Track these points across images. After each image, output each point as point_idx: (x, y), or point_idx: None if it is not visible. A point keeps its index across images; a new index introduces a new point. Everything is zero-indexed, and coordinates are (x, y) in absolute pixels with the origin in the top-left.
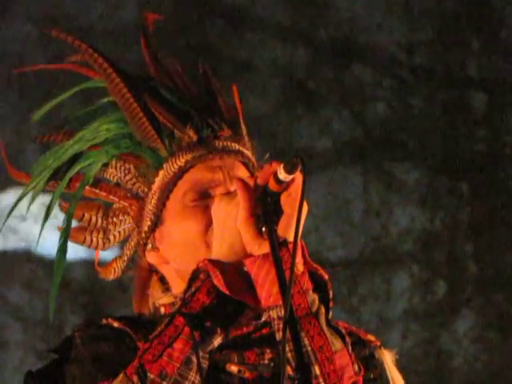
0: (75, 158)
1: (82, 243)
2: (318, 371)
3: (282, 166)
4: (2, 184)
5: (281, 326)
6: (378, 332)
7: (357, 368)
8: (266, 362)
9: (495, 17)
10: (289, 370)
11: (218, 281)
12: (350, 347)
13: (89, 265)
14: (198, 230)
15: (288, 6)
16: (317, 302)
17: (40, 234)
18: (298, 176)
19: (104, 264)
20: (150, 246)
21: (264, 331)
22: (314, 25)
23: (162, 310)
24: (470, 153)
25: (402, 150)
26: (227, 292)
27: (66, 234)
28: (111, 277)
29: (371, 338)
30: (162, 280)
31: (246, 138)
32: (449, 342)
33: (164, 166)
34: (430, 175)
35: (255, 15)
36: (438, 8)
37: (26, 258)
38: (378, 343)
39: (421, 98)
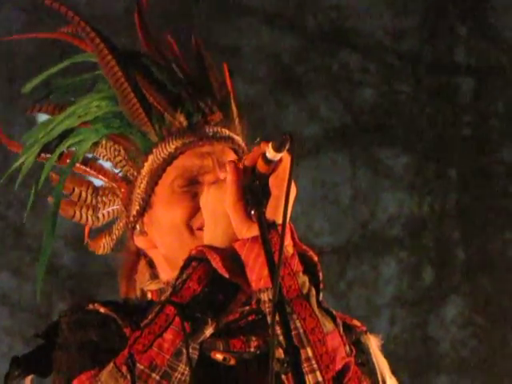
0: (66, 134)
1: (72, 217)
2: (310, 353)
3: (270, 144)
4: None
5: (271, 308)
6: (366, 318)
7: (348, 349)
8: (252, 349)
9: (482, 2)
10: (280, 353)
11: (217, 263)
12: (341, 328)
13: (76, 251)
14: (183, 216)
15: None
16: (307, 283)
17: (30, 205)
18: (286, 157)
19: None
20: (138, 229)
21: (250, 318)
22: (302, 11)
23: (149, 295)
24: (458, 138)
25: (390, 136)
26: (226, 275)
27: (55, 206)
28: (100, 251)
29: (357, 323)
30: (151, 264)
31: (237, 121)
32: (436, 328)
33: (153, 150)
34: (417, 161)
35: (242, 2)
36: None
37: (14, 244)
38: (364, 328)
39: (408, 83)
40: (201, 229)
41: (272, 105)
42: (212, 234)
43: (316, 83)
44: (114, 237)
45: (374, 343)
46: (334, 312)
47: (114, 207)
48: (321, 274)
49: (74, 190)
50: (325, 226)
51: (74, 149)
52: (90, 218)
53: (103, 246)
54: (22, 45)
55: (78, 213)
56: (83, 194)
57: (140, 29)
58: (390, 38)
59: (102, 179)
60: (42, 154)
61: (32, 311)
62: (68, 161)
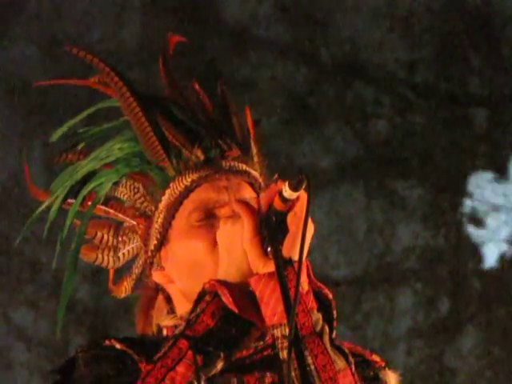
0: (88, 177)
1: (94, 262)
2: None
3: (286, 183)
4: None
5: (285, 344)
6: (382, 349)
7: None
8: None
9: (495, 33)
10: None
11: (227, 299)
12: (353, 367)
13: (93, 285)
14: (202, 250)
15: (289, 24)
16: (321, 321)
17: (56, 253)
18: (303, 194)
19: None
20: (156, 264)
21: (265, 353)
22: (315, 43)
23: (165, 331)
24: (473, 169)
25: (405, 167)
26: (236, 310)
27: (76, 252)
28: (122, 295)
29: (376, 358)
30: (168, 300)
31: (256, 159)
32: (453, 359)
33: (171, 185)
34: (432, 192)
35: (256, 34)
36: (438, 25)
37: (30, 279)
38: (383, 364)
39: (422, 115)
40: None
41: (286, 137)
42: (226, 269)
43: (330, 115)
44: (134, 276)
45: (392, 379)
46: (353, 346)
47: (134, 245)
48: (335, 312)
49: (96, 233)
50: (340, 258)
51: (94, 191)
52: (111, 259)
53: (125, 288)
54: (34, 78)
55: (100, 256)
56: (105, 237)
57: (165, 76)
58: (404, 69)
59: (121, 218)
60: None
61: (48, 346)
62: (89, 203)
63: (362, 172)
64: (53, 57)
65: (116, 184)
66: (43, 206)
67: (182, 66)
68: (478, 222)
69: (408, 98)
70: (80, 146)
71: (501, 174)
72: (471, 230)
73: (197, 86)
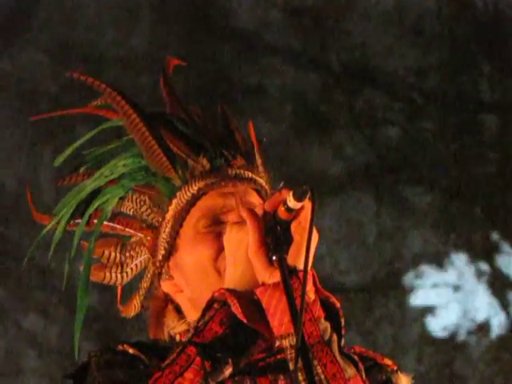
0: (93, 195)
1: (102, 280)
2: None
3: (291, 193)
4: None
5: (293, 355)
6: (392, 355)
7: None
8: None
9: (506, 40)
10: None
11: (236, 309)
12: (363, 374)
13: (102, 291)
14: (209, 257)
15: (299, 31)
16: (329, 329)
17: (66, 274)
18: (308, 204)
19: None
20: (164, 274)
21: (279, 357)
22: (325, 50)
23: (178, 337)
24: (483, 175)
25: (415, 174)
26: (245, 320)
27: (87, 273)
28: (132, 314)
29: (388, 362)
30: (178, 309)
31: (261, 168)
32: (464, 366)
33: (177, 194)
34: (442, 198)
35: (266, 41)
36: (448, 32)
37: (40, 285)
38: (395, 367)
39: (433, 121)
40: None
41: (296, 143)
42: (232, 276)
43: (340, 122)
44: (143, 291)
45: (405, 382)
46: (364, 350)
47: (141, 258)
48: (343, 320)
49: (103, 252)
50: (351, 265)
51: (100, 209)
52: (119, 275)
53: (134, 306)
54: (45, 85)
55: (108, 274)
56: (112, 255)
57: (166, 94)
58: (414, 75)
59: (129, 232)
60: (72, 221)
61: (58, 352)
62: (95, 221)
63: (372, 178)
64: (62, 63)
65: (121, 199)
66: (48, 227)
67: (191, 73)
68: None
69: (418, 104)
70: (83, 168)
71: None
72: None
73: (198, 110)
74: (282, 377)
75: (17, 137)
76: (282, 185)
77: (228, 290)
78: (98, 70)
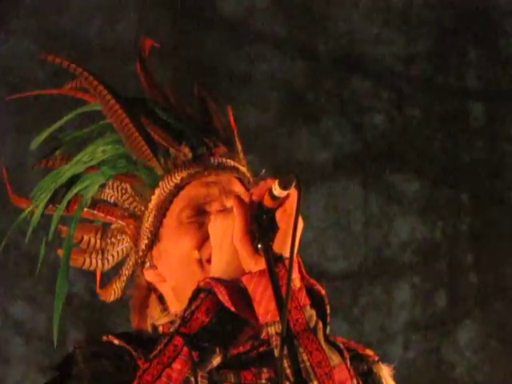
0: (73, 181)
1: (82, 266)
2: None
3: (276, 182)
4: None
5: (279, 342)
6: (379, 343)
7: (356, 382)
8: (263, 381)
9: (493, 27)
10: None
11: (223, 297)
12: (348, 362)
13: (89, 279)
14: (192, 247)
15: (286, 18)
16: (314, 317)
17: (41, 256)
18: (293, 192)
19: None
20: (147, 264)
21: (261, 349)
22: (312, 37)
23: (161, 329)
24: (470, 163)
25: (402, 161)
26: (233, 308)
27: (66, 258)
28: (111, 298)
29: (369, 352)
30: (161, 299)
31: (242, 155)
32: (450, 353)
33: (160, 183)
34: (429, 186)
35: (253, 28)
36: (435, 19)
37: (28, 273)
38: (376, 358)
39: (419, 108)
40: (210, 261)
41: (283, 131)
42: (218, 264)
43: (327, 109)
44: (124, 278)
45: (386, 372)
46: (346, 341)
47: (123, 246)
48: (328, 308)
49: (82, 238)
50: (337, 252)
51: (80, 195)
52: (99, 261)
53: (114, 291)
54: (31, 72)
55: (87, 260)
56: (92, 240)
57: (144, 78)
58: (401, 63)
59: (110, 220)
60: (50, 206)
61: (46, 340)
62: (75, 207)
63: (359, 166)
64: (50, 51)
65: (102, 187)
66: (26, 212)
67: (178, 60)
68: None
69: (405, 91)
70: (58, 152)
71: None
72: None
73: (174, 89)
74: (265, 370)
75: (3, 123)
76: (264, 172)
77: (214, 278)
78: (86, 57)
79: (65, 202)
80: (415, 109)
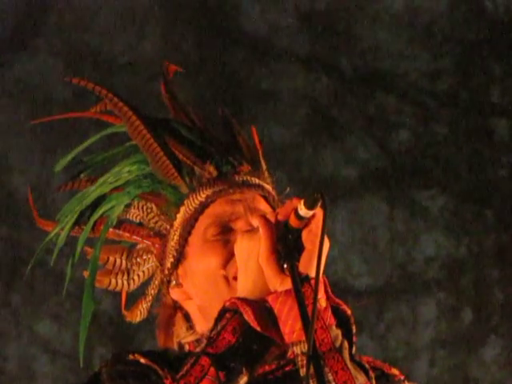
0: (98, 202)
1: (107, 287)
2: None
3: (302, 202)
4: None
5: (305, 361)
6: (405, 360)
7: None
8: None
9: None
10: None
11: (249, 316)
12: (374, 382)
13: (116, 296)
14: (218, 264)
15: (310, 35)
16: (340, 337)
17: (67, 278)
18: (319, 212)
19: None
20: (173, 282)
21: (287, 369)
22: (337, 53)
23: (187, 347)
24: (495, 179)
25: (427, 177)
26: (258, 328)
27: (92, 279)
28: (138, 319)
29: (395, 371)
30: (187, 317)
31: (266, 173)
32: (476, 369)
33: (185, 202)
34: (454, 202)
35: (278, 45)
36: (460, 35)
37: (54, 290)
38: (403, 377)
39: (444, 124)
40: (236, 278)
41: (308, 147)
42: (244, 284)
43: (352, 125)
44: (150, 297)
45: None
46: (371, 360)
47: (149, 265)
48: (354, 328)
49: (108, 259)
50: (363, 268)
51: (105, 215)
52: (125, 282)
53: (140, 312)
54: (57, 91)
55: (113, 280)
56: (118, 261)
57: (168, 100)
58: (426, 79)
59: (135, 240)
60: (76, 228)
61: (72, 357)
62: (101, 228)
63: (384, 182)
64: (74, 69)
65: (127, 206)
66: (52, 234)
67: (202, 77)
68: None
69: (430, 107)
70: (83, 175)
71: None
72: None
73: (200, 115)
74: None
75: (29, 143)
76: (288, 190)
77: (239, 298)
78: (111, 74)
79: (91, 223)
80: (440, 125)
